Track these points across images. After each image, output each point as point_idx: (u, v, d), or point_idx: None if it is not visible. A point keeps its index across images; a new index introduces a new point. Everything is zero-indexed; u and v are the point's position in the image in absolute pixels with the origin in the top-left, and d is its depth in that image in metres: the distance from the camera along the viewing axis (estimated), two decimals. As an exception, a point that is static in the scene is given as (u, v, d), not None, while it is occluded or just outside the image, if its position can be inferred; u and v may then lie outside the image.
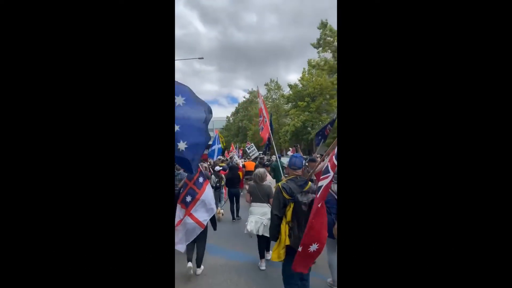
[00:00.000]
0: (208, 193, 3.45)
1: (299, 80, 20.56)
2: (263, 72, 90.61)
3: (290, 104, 22.43)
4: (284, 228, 2.28)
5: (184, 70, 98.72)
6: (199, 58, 15.45)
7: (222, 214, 6.46)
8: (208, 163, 11.13)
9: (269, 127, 6.72)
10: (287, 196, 2.31)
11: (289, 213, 2.27)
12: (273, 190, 3.24)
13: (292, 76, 79.27)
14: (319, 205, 2.00)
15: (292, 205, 2.27)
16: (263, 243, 3.76)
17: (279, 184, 2.43)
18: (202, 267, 3.55)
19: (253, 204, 3.82)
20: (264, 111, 7.04)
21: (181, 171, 5.91)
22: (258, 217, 3.66)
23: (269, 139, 6.72)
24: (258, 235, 3.67)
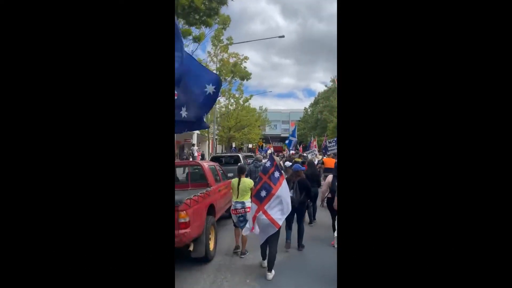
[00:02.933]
0: (284, 189, 3.12)
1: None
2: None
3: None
4: None
5: (263, 65, 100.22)
6: (280, 37, 15.36)
7: None
8: (282, 155, 9.58)
9: None
10: None
11: None
12: None
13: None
14: None
15: None
16: None
17: None
18: (273, 272, 3.07)
19: None
20: None
21: (262, 162, 5.32)
22: None
23: None
24: None
